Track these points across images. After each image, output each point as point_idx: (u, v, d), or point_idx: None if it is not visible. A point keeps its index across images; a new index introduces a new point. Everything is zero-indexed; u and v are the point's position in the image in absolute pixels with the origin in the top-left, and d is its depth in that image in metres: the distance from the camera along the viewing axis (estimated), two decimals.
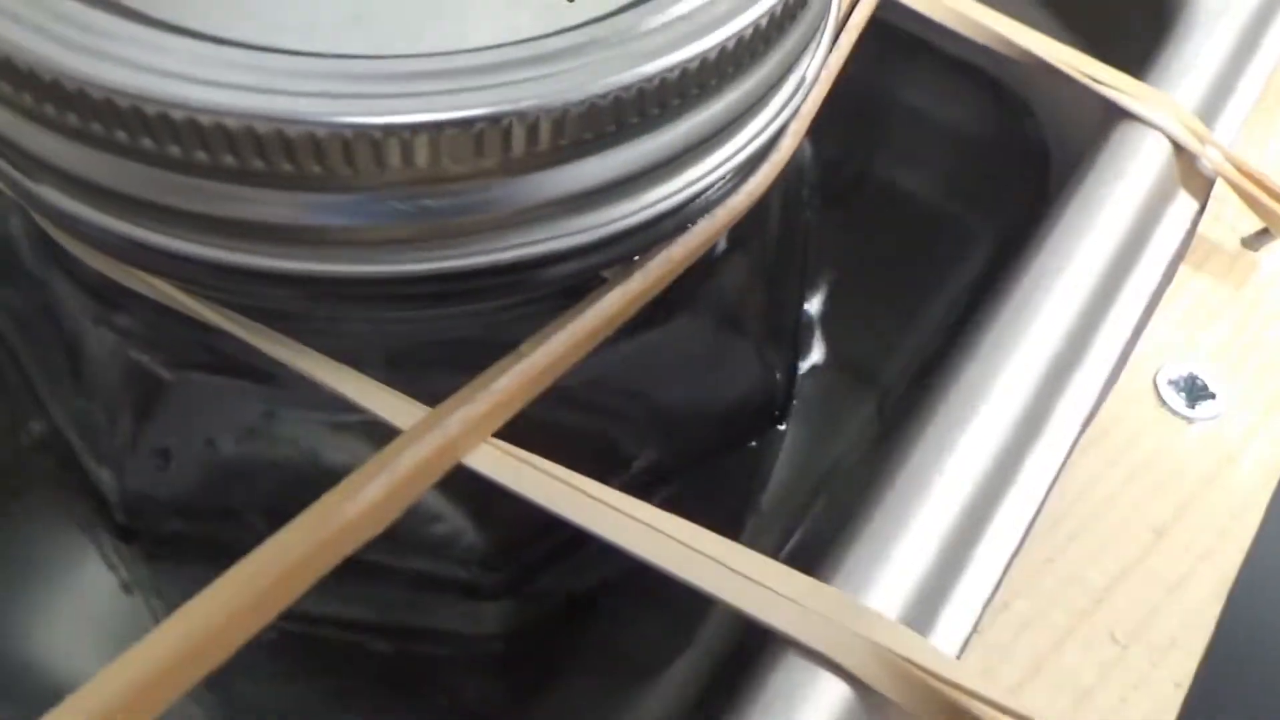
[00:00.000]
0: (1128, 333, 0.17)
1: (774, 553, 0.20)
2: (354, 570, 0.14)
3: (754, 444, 0.21)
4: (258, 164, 0.13)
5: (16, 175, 0.14)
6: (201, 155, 0.13)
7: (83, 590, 0.20)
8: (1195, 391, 0.18)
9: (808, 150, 0.21)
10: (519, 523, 0.18)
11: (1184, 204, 0.18)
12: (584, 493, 0.14)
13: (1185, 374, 0.17)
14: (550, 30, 0.14)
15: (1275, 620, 0.19)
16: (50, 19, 0.13)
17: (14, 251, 0.19)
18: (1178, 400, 0.17)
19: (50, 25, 0.13)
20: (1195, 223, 0.18)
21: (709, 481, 0.20)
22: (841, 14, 0.18)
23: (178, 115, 0.12)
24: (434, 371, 0.17)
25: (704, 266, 0.18)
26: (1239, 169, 0.19)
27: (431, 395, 0.15)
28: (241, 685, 0.21)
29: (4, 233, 0.19)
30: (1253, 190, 0.19)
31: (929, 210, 0.26)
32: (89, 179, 0.14)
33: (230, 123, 0.12)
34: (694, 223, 0.16)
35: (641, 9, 0.14)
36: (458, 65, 0.13)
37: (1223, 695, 0.17)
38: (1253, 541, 0.16)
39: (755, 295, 0.20)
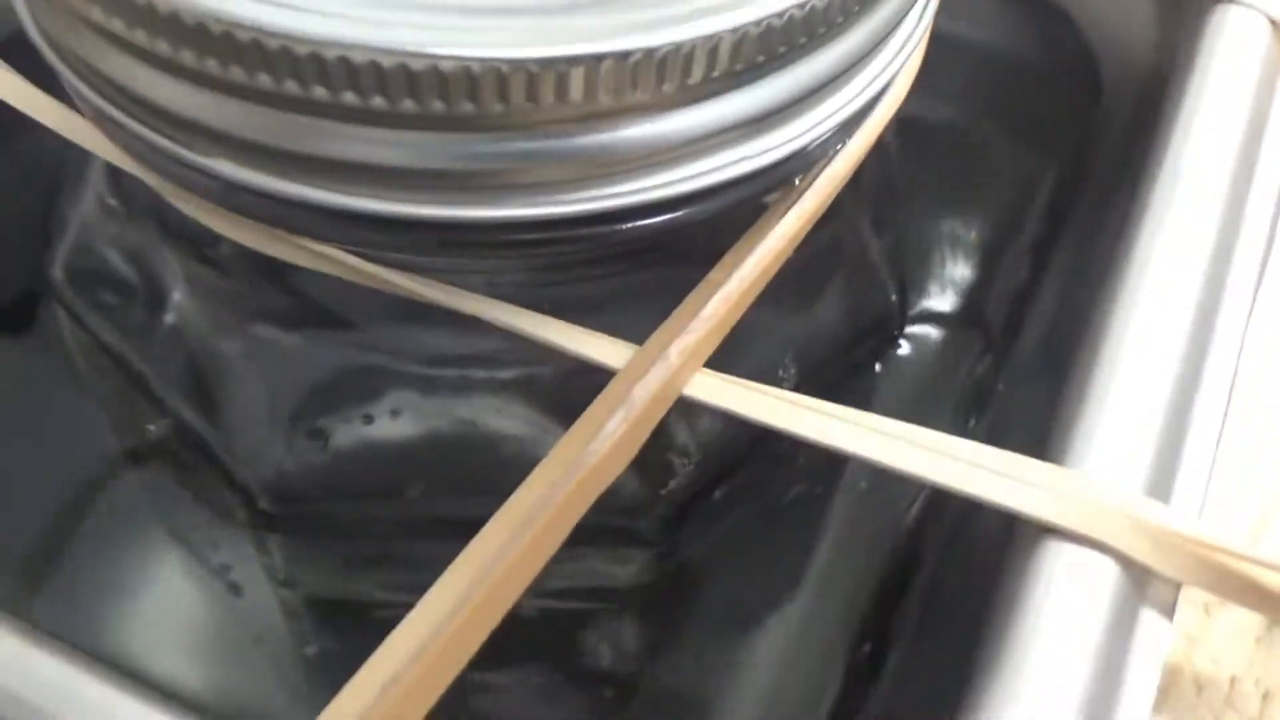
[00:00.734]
0: (1269, 221, 0.17)
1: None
2: None
3: (877, 367, 0.21)
4: (408, 104, 0.12)
5: (183, 152, 0.14)
6: (351, 97, 0.12)
7: (229, 578, 0.20)
8: None
9: None
10: (677, 459, 0.18)
11: None
12: (809, 409, 0.14)
13: None
14: None
15: None
16: None
17: (128, 251, 0.18)
18: None
19: None
20: None
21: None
22: None
23: (330, 54, 0.12)
24: (583, 318, 0.17)
25: None
26: None
27: None
28: None
29: (118, 239, 0.18)
30: None
31: (970, 132, 0.27)
32: (251, 138, 0.13)
33: (383, 60, 0.12)
34: (848, 139, 0.16)
35: None
36: None
37: None
38: None
39: (859, 220, 0.20)
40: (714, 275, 0.15)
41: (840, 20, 0.14)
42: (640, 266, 0.16)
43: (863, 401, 0.21)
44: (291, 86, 0.12)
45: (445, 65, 0.12)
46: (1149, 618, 0.13)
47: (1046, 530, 0.13)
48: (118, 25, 0.13)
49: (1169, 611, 0.13)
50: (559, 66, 0.12)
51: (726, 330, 0.14)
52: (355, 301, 0.16)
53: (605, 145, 0.13)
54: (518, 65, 0.12)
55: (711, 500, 0.19)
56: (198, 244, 0.17)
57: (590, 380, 0.16)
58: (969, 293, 0.22)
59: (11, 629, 0.13)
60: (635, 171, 0.14)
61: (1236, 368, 0.15)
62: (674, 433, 0.17)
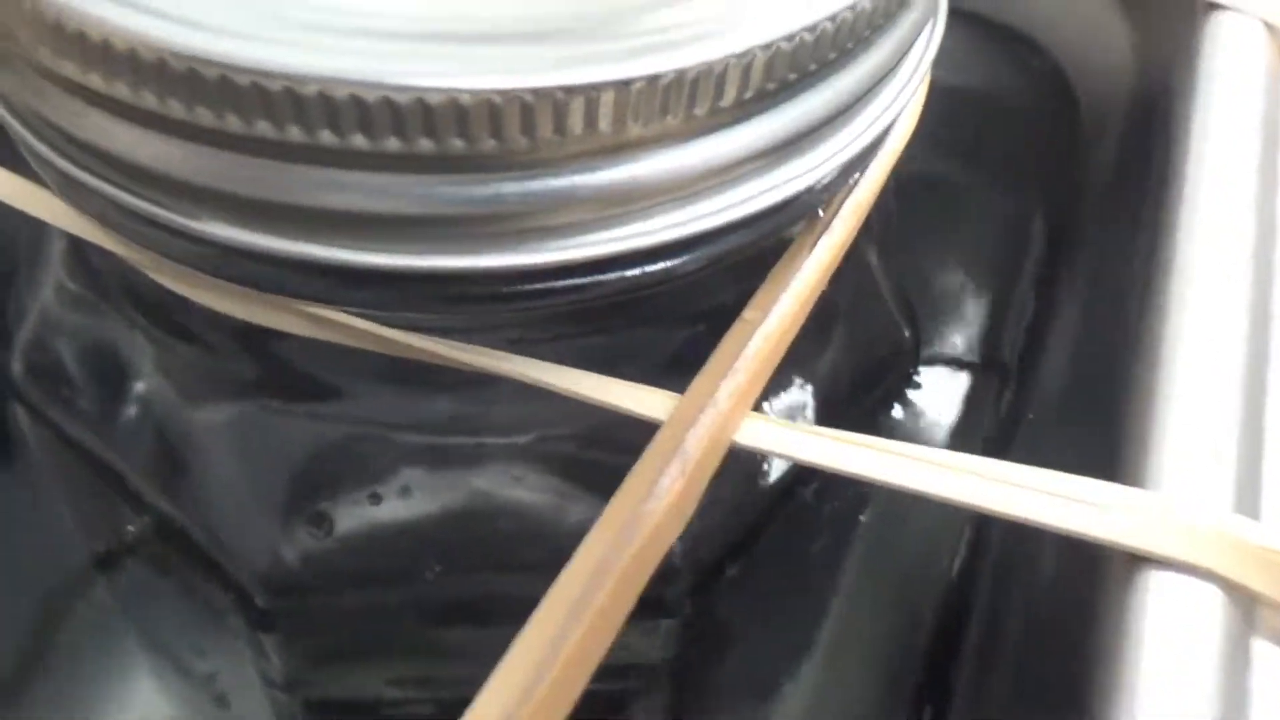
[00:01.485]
0: None
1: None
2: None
3: (896, 409, 0.20)
4: (424, 144, 0.11)
5: (158, 211, 0.13)
6: (360, 140, 0.11)
7: (215, 689, 0.18)
8: None
9: None
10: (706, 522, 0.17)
11: None
12: (866, 446, 0.13)
13: None
14: None
15: None
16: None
17: (94, 336, 0.17)
18: None
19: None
20: None
21: None
22: None
23: (339, 93, 0.11)
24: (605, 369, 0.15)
25: None
26: None
27: None
28: None
29: (82, 324, 0.17)
30: None
31: (951, 169, 0.26)
32: (246, 195, 0.12)
33: (398, 97, 0.11)
34: (867, 166, 0.16)
35: None
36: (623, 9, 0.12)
37: None
38: None
39: (873, 244, 0.19)
40: (749, 314, 0.14)
41: (867, 34, 0.13)
42: (662, 310, 0.15)
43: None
44: (288, 131, 0.11)
45: (465, 99, 0.11)
46: (1262, 649, 0.12)
47: (1138, 559, 0.12)
48: (70, 68, 0.12)
49: None
50: (588, 93, 0.11)
51: (771, 371, 0.13)
52: (352, 369, 0.15)
53: (628, 179, 0.12)
54: (544, 94, 0.11)
55: (740, 561, 0.18)
56: (172, 318, 0.16)
57: (615, 439, 0.14)
58: (982, 330, 0.21)
59: None
60: (658, 208, 0.13)
61: None
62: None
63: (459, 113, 0.11)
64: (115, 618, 0.19)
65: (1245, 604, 0.12)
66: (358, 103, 0.11)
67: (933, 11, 0.15)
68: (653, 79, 0.11)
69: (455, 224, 0.12)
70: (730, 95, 0.12)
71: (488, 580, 0.16)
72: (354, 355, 0.14)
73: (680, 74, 0.12)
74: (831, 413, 0.19)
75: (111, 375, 0.17)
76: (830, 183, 0.14)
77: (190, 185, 0.12)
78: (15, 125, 0.13)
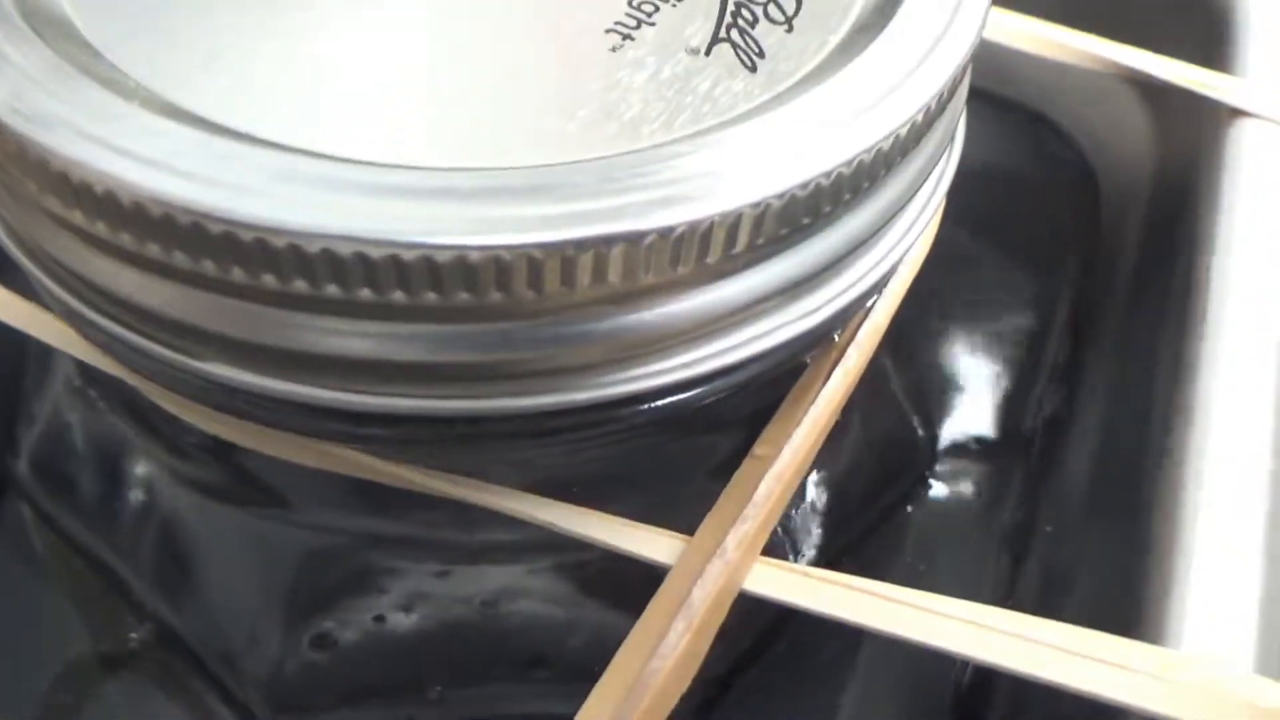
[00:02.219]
0: None
1: None
2: None
3: (909, 509, 0.20)
4: (431, 297, 0.11)
5: (175, 357, 0.12)
6: (367, 293, 0.11)
7: None
8: None
9: None
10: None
11: None
12: (878, 595, 0.13)
13: None
14: (728, 117, 0.13)
15: None
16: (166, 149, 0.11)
17: (101, 443, 0.17)
18: None
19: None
20: None
21: (875, 553, 0.19)
22: None
23: (344, 251, 0.11)
24: (599, 498, 0.15)
25: None
26: None
27: None
28: None
29: (90, 430, 0.17)
30: None
31: (973, 253, 0.26)
32: (251, 340, 0.12)
33: (403, 254, 0.11)
34: (886, 285, 0.15)
35: (831, 80, 0.13)
36: (645, 163, 0.12)
37: None
38: None
39: (894, 350, 0.19)
40: (760, 450, 0.13)
41: (881, 173, 0.13)
42: (676, 436, 0.15)
43: (896, 547, 0.20)
44: (294, 284, 0.11)
45: (473, 256, 0.11)
46: None
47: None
48: (77, 218, 0.11)
49: None
50: (595, 247, 0.11)
51: (781, 510, 0.13)
52: (357, 491, 0.15)
53: (635, 326, 0.12)
54: (552, 250, 0.11)
55: (748, 676, 0.18)
56: (177, 438, 0.16)
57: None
58: (999, 424, 0.21)
59: None
60: (665, 350, 0.13)
61: None
62: None
63: (466, 269, 0.11)
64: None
65: None
66: (363, 259, 0.11)
67: (947, 143, 0.15)
68: (665, 232, 0.11)
69: (459, 370, 0.12)
70: (742, 243, 0.12)
71: (491, 696, 0.16)
72: (356, 479, 0.14)
73: (693, 226, 0.11)
74: (844, 518, 0.19)
75: (116, 481, 0.17)
76: (844, 314, 0.14)
77: (195, 328, 0.12)
78: (22, 258, 0.13)
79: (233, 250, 0.11)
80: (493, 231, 0.11)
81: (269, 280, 0.11)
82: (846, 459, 0.18)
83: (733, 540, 0.12)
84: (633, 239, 0.11)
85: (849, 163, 0.12)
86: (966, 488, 0.20)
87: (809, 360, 0.15)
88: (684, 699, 0.17)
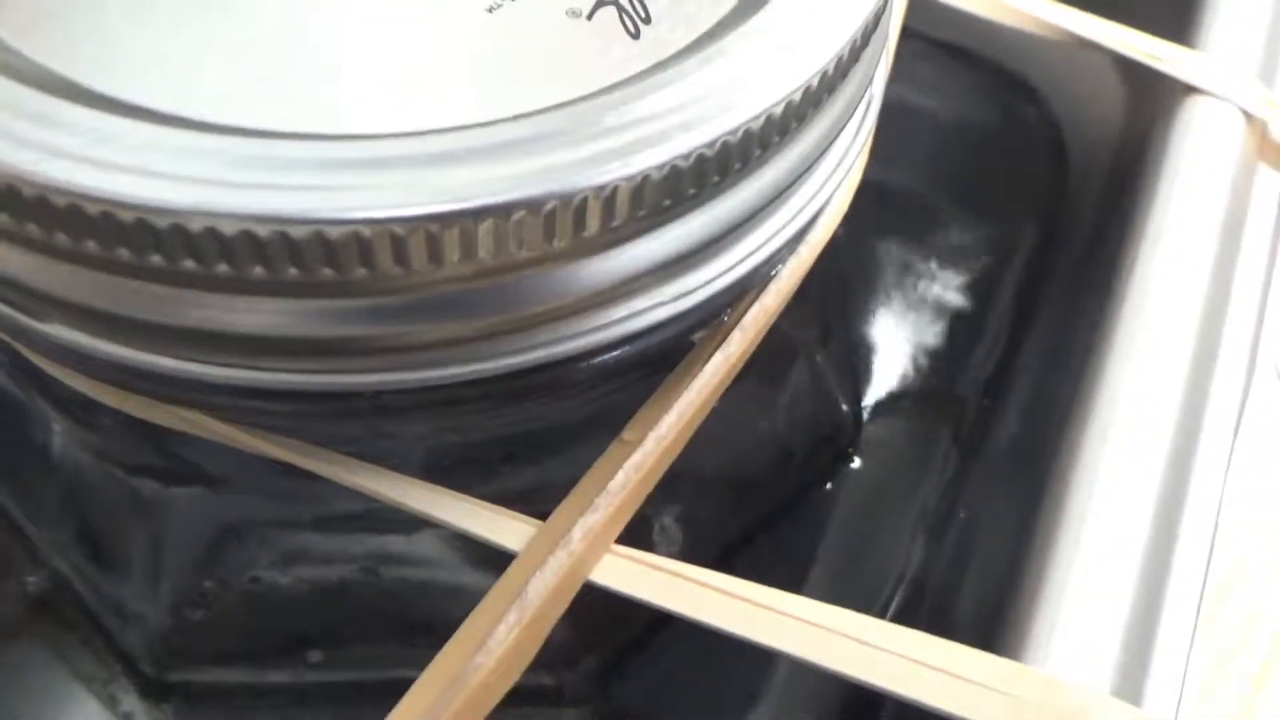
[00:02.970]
0: (1253, 326, 0.15)
1: (882, 608, 0.19)
2: None
3: (829, 486, 0.19)
4: (293, 273, 0.11)
5: (16, 316, 0.12)
6: (224, 268, 0.11)
7: None
8: None
9: None
10: (600, 609, 0.16)
11: (1267, 177, 0.17)
12: (730, 594, 0.12)
13: None
14: (610, 83, 0.12)
15: None
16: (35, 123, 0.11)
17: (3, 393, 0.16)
18: None
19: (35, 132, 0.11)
20: None
21: (790, 534, 0.19)
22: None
23: (195, 225, 0.10)
24: (480, 472, 0.15)
25: None
26: None
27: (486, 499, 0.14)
28: None
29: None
30: None
31: (936, 208, 0.25)
32: (98, 308, 0.12)
33: (257, 229, 0.10)
34: (781, 266, 0.15)
35: (714, 44, 0.12)
36: (514, 136, 0.11)
37: None
38: None
39: (805, 322, 0.19)
40: (629, 435, 0.13)
41: (759, 153, 0.12)
42: (557, 414, 0.15)
43: (813, 525, 0.20)
44: (157, 259, 0.11)
45: (333, 233, 0.10)
46: None
47: None
48: None
49: None
50: (461, 223, 0.11)
51: (641, 500, 0.13)
52: (237, 456, 0.15)
53: (508, 299, 0.12)
54: (414, 226, 0.11)
55: (648, 647, 0.18)
56: (65, 398, 0.15)
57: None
58: (930, 399, 0.21)
59: None
60: (539, 326, 0.12)
61: (1212, 545, 0.13)
62: None
63: (326, 245, 0.11)
64: (10, 671, 0.19)
65: None
66: (214, 235, 0.10)
67: (853, 112, 0.14)
68: (534, 206, 0.11)
69: (326, 345, 0.12)
70: (621, 216, 0.11)
71: (369, 665, 0.16)
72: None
73: (564, 200, 0.11)
74: (754, 491, 0.19)
75: (12, 433, 0.17)
76: (728, 294, 0.13)
77: (60, 300, 0.12)
78: None
79: (87, 223, 0.10)
80: (352, 207, 0.11)
81: (124, 254, 0.11)
82: (752, 435, 0.18)
83: (580, 530, 0.12)
84: (500, 214, 0.11)
85: (734, 131, 0.12)
86: (891, 465, 0.19)
87: (695, 341, 0.14)
88: (575, 670, 0.17)
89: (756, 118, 0.12)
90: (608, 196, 0.11)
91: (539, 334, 0.12)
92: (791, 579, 0.19)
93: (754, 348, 0.14)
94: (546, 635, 0.12)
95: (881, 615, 0.19)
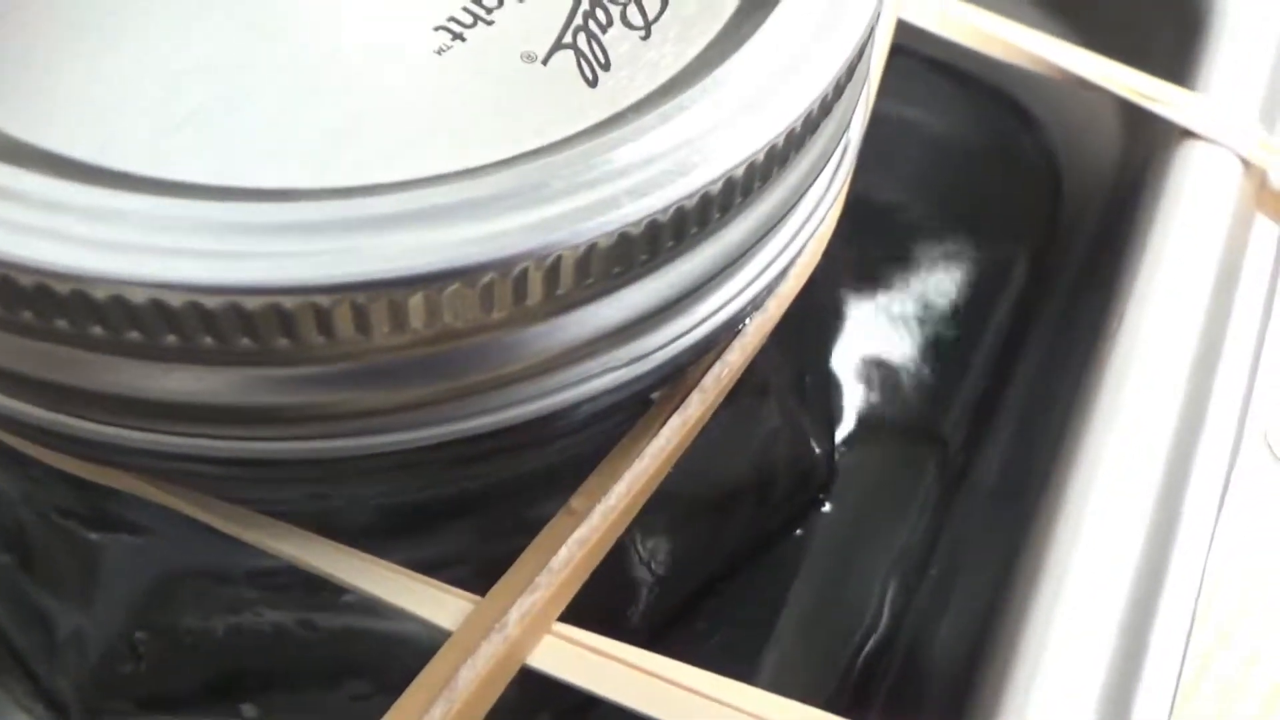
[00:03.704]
0: (1243, 387, 0.15)
1: (851, 656, 0.18)
2: None
3: (799, 532, 0.19)
4: (243, 342, 0.10)
5: None
6: (134, 335, 0.10)
7: None
8: None
9: None
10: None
11: (1264, 228, 0.16)
12: (677, 684, 0.11)
13: None
14: (561, 137, 0.11)
15: None
16: None
17: None
18: None
19: None
20: None
21: (756, 582, 0.18)
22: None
23: (99, 294, 0.10)
24: (423, 537, 0.14)
25: None
26: None
27: (430, 563, 0.13)
28: None
29: None
30: None
31: (929, 233, 0.24)
32: (6, 368, 0.11)
33: (206, 301, 0.10)
34: (747, 321, 0.14)
35: (674, 99, 0.12)
36: (453, 199, 0.10)
37: None
38: None
39: (779, 364, 0.18)
40: (576, 503, 0.12)
41: (719, 216, 0.12)
42: (507, 467, 0.14)
43: (783, 571, 0.19)
44: (62, 324, 0.10)
45: (250, 305, 0.10)
46: None
47: None
48: None
49: None
50: (390, 295, 0.10)
51: (585, 576, 0.12)
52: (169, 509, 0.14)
53: (444, 369, 0.11)
54: (339, 297, 0.10)
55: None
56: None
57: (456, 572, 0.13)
58: (908, 444, 0.20)
59: None
60: (483, 393, 0.12)
61: (1193, 619, 0.12)
62: None
63: (244, 317, 0.10)
64: None
65: None
66: (122, 303, 0.10)
67: (820, 173, 0.13)
68: (471, 278, 0.10)
69: (252, 412, 0.11)
70: (566, 284, 0.11)
71: (306, 708, 0.15)
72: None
73: (503, 271, 0.10)
74: (714, 546, 0.18)
75: None
76: (683, 358, 0.13)
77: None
78: None
79: (49, 303, 0.10)
80: (276, 274, 0.10)
81: (28, 316, 0.10)
82: (721, 477, 0.17)
83: (517, 612, 0.11)
84: (433, 285, 0.10)
85: (690, 196, 0.11)
86: (864, 510, 0.19)
87: (654, 399, 0.14)
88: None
89: (715, 181, 0.11)
90: (550, 266, 0.10)
91: (481, 401, 0.12)
92: (759, 627, 0.19)
93: (715, 406, 0.13)
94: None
95: (851, 665, 0.18)
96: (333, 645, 0.15)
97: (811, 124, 0.12)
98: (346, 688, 0.15)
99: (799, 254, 0.14)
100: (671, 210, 0.11)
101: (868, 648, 0.18)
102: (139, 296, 0.10)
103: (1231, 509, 0.15)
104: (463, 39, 0.12)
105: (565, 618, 0.12)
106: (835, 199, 0.14)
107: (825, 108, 0.12)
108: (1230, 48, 0.18)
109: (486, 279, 0.10)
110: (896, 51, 0.21)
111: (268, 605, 0.15)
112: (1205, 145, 0.17)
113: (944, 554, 0.18)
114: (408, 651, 0.15)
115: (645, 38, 0.12)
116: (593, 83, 0.12)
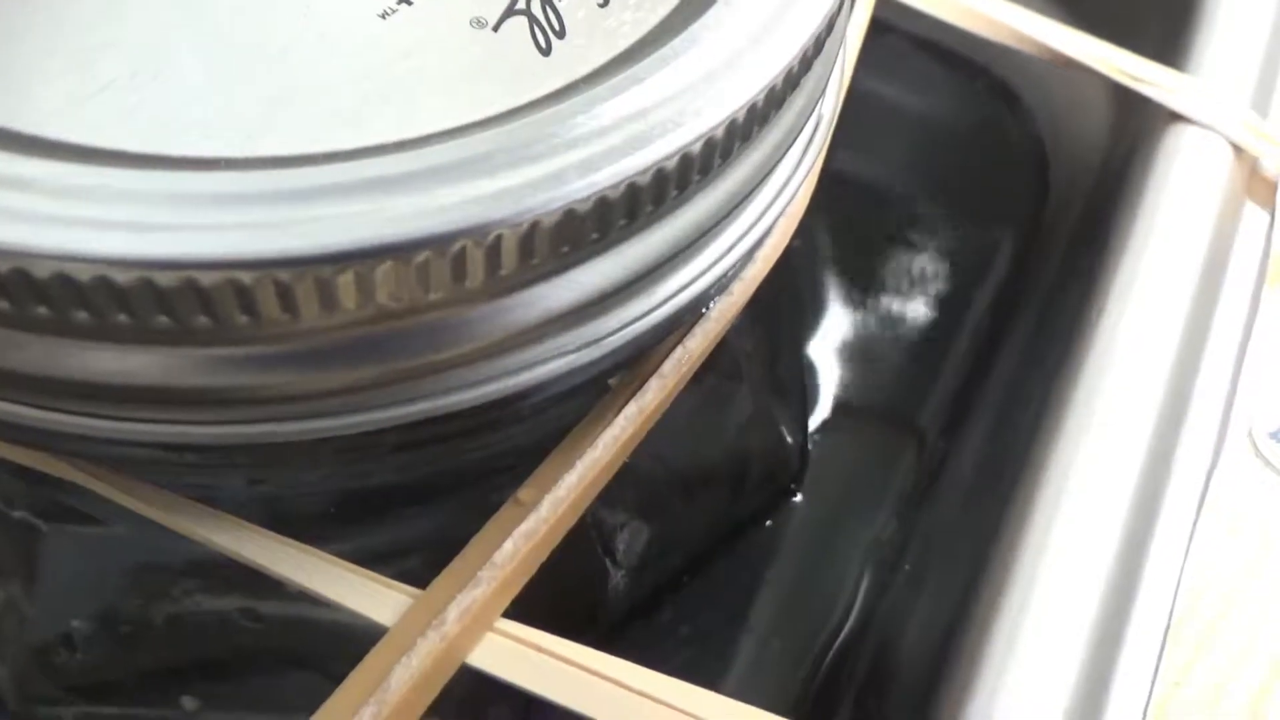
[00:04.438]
0: (1227, 383, 0.14)
1: (821, 651, 0.17)
2: None
3: (769, 522, 0.18)
4: (161, 320, 0.09)
5: None
6: (42, 311, 0.09)
7: None
8: None
9: None
10: None
11: (1254, 216, 0.16)
12: (623, 685, 0.11)
13: None
14: (513, 106, 0.11)
15: None
16: None
17: None
18: None
19: None
20: (1269, 238, 0.16)
21: (724, 573, 0.18)
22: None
23: (42, 272, 0.09)
24: (371, 527, 0.14)
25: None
26: None
27: (378, 553, 0.12)
28: None
29: None
30: None
31: (911, 217, 0.24)
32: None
33: (117, 276, 0.09)
34: (710, 305, 0.13)
35: (629, 69, 0.11)
36: (387, 171, 0.10)
37: None
38: None
39: (752, 349, 0.17)
40: (524, 495, 0.12)
41: (676, 193, 0.11)
42: (456, 454, 0.13)
43: (753, 565, 0.19)
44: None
45: (206, 280, 0.09)
46: None
47: None
48: None
49: None
50: (356, 266, 0.09)
51: (532, 570, 0.11)
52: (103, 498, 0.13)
53: (387, 351, 0.11)
54: (300, 271, 0.09)
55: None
56: None
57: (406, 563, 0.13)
58: (883, 433, 0.19)
59: None
60: (429, 377, 0.11)
61: (1169, 624, 0.12)
62: None
63: (158, 294, 0.09)
64: None
65: None
66: (25, 277, 0.09)
67: (788, 148, 0.13)
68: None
69: (192, 394, 0.10)
70: (509, 265, 0.10)
71: (250, 697, 0.15)
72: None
73: (441, 249, 0.10)
74: (680, 536, 0.17)
75: None
76: (643, 340, 0.12)
77: None
78: None
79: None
80: (190, 248, 0.09)
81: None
82: (688, 469, 0.16)
83: (457, 609, 0.11)
84: (364, 263, 0.09)
85: (643, 172, 0.10)
86: (836, 501, 0.18)
87: (611, 385, 0.13)
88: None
89: (670, 156, 0.10)
90: (491, 244, 0.10)
91: (421, 386, 0.11)
92: (727, 619, 0.18)
93: (675, 393, 0.13)
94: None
95: (821, 659, 0.18)
96: (277, 635, 0.14)
97: (777, 98, 0.11)
98: (291, 679, 0.15)
99: (766, 236, 0.13)
100: (623, 187, 0.10)
101: (838, 642, 0.17)
102: (43, 270, 0.09)
103: (1214, 507, 0.14)
104: (409, 2, 0.11)
105: (524, 610, 0.12)
106: (806, 179, 0.14)
107: (792, 81, 0.11)
108: (1223, 29, 0.17)
109: (421, 257, 0.10)
110: (881, 29, 0.20)
111: (208, 594, 0.14)
112: (1195, 129, 0.16)
113: (918, 547, 0.17)
114: (355, 643, 0.15)
115: (603, 5, 0.12)
116: (546, 51, 0.11)
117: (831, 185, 0.16)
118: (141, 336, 0.10)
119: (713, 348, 0.13)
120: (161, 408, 0.11)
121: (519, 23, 0.11)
